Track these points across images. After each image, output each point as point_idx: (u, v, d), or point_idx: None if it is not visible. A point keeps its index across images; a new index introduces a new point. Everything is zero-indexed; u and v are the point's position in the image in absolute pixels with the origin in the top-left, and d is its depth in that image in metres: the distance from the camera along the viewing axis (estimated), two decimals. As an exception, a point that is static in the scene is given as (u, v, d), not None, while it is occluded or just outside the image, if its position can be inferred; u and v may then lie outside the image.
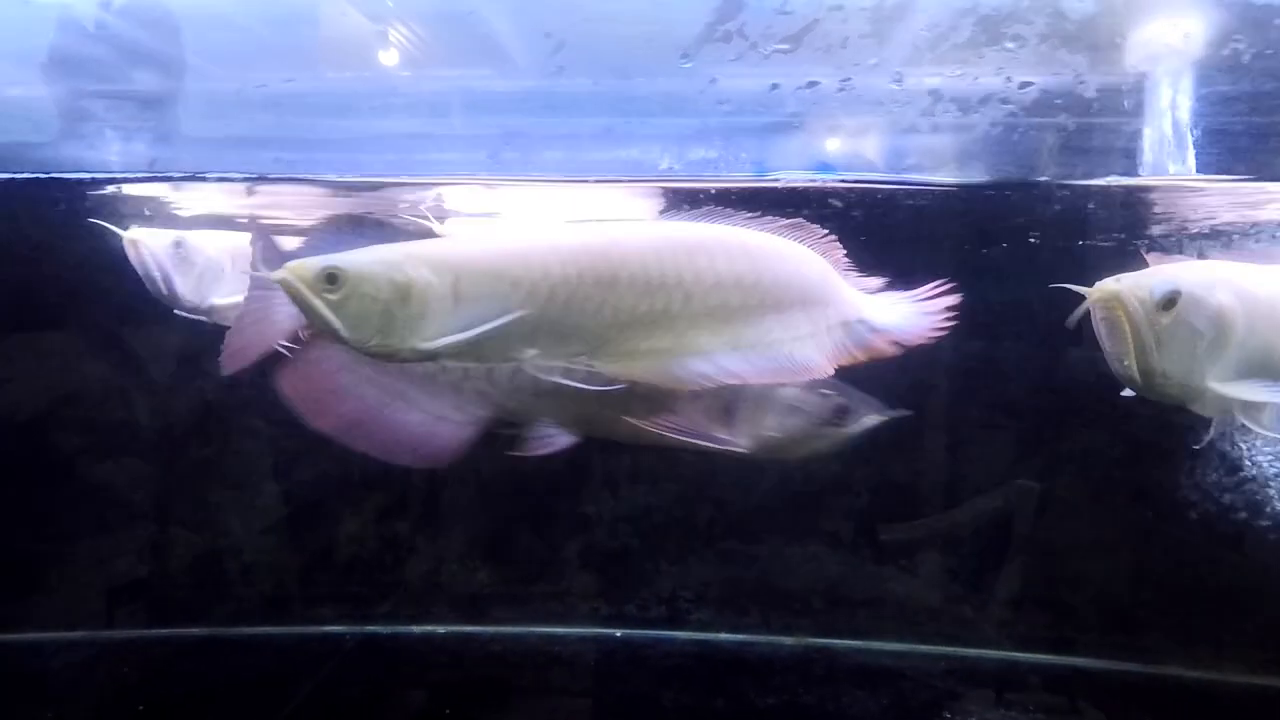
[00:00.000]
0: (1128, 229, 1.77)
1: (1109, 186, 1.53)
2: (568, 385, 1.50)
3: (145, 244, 2.08)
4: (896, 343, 1.50)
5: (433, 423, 1.78)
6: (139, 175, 1.94)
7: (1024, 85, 1.37)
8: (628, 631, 3.17)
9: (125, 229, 2.07)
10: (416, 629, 3.18)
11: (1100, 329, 1.46)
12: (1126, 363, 1.46)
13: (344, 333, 1.43)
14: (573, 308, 1.45)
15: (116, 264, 2.17)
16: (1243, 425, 1.53)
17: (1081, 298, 1.43)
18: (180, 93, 1.78)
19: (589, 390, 1.49)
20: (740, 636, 3.14)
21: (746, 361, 1.47)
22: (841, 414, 1.83)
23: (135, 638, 3.07)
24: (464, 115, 2.52)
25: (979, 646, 2.95)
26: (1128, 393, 1.53)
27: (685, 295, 1.45)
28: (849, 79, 1.42)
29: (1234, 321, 1.46)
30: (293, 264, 1.44)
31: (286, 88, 2.07)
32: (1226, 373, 1.49)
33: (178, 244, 2.10)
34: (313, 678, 2.96)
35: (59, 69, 1.71)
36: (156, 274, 2.10)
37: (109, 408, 3.08)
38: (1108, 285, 1.43)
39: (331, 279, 1.43)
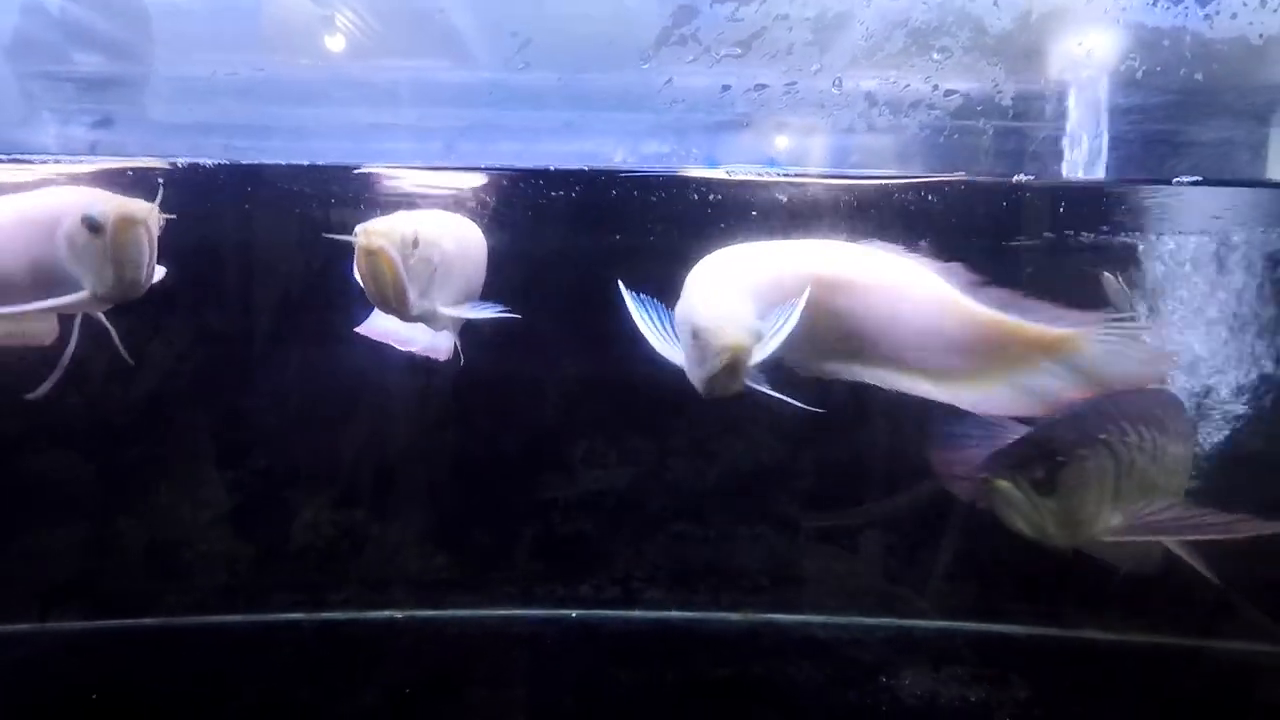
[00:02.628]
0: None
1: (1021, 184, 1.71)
2: None
3: None
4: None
5: None
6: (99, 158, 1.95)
7: (949, 93, 1.53)
8: (583, 612, 3.27)
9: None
10: (375, 615, 3.22)
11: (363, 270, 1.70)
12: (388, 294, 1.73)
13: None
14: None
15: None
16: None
17: None
18: (145, 78, 1.82)
19: None
20: (691, 614, 3.28)
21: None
22: None
23: (85, 630, 3.04)
24: (420, 106, 2.58)
25: (914, 618, 3.15)
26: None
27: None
28: (794, 83, 1.55)
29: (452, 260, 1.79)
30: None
31: (249, 75, 2.11)
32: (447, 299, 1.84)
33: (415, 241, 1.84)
34: (271, 664, 2.99)
35: (22, 52, 1.73)
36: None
37: (56, 398, 3.04)
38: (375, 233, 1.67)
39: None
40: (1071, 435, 1.67)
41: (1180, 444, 1.77)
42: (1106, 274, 2.79)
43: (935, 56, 1.42)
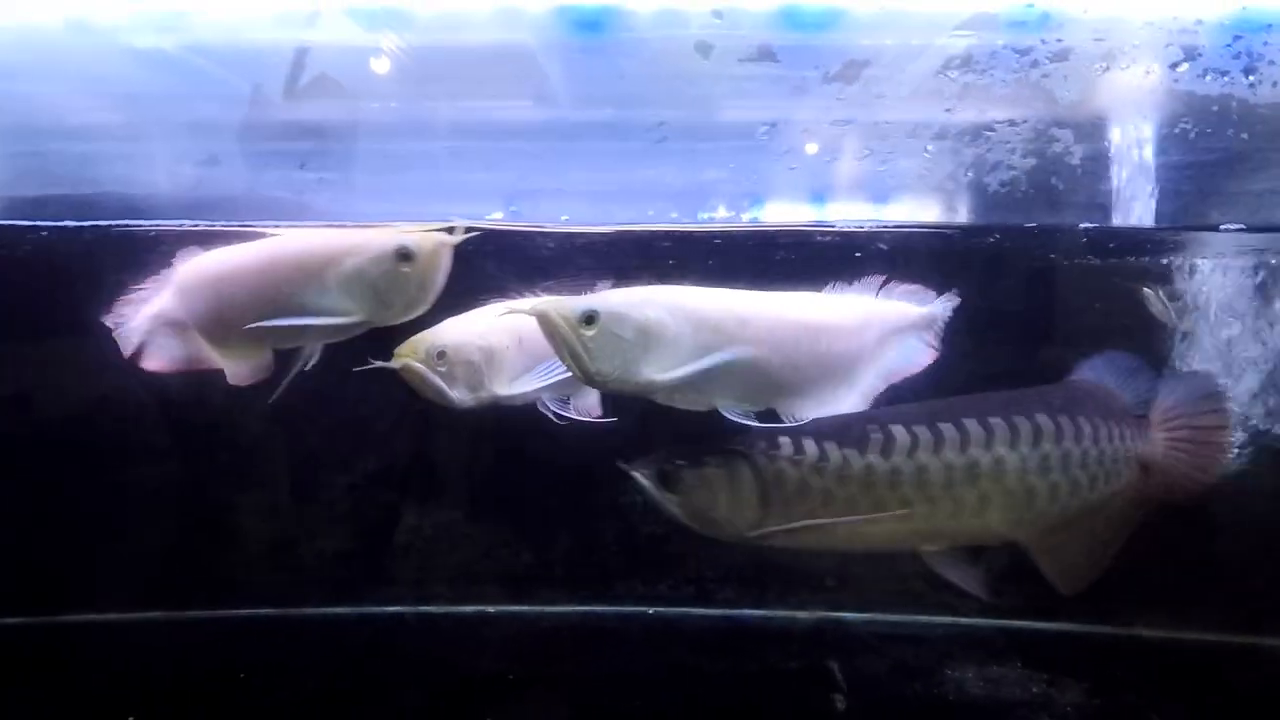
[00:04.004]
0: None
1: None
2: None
3: None
4: None
5: None
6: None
7: (1025, 155, 1.78)
8: (660, 609, 3.52)
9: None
10: (469, 608, 3.51)
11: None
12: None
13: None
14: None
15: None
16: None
17: None
18: (352, 149, 2.11)
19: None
20: (761, 612, 3.51)
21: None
22: None
23: (213, 618, 3.37)
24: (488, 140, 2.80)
25: (973, 616, 3.36)
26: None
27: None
28: (892, 152, 1.81)
29: (661, 329, 1.77)
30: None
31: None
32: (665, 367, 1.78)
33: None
34: (378, 652, 3.28)
35: (250, 135, 2.05)
36: None
37: (194, 407, 3.39)
38: (539, 306, 1.75)
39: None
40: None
41: (904, 458, 1.90)
42: (1147, 289, 3.02)
43: (1015, 122, 1.67)
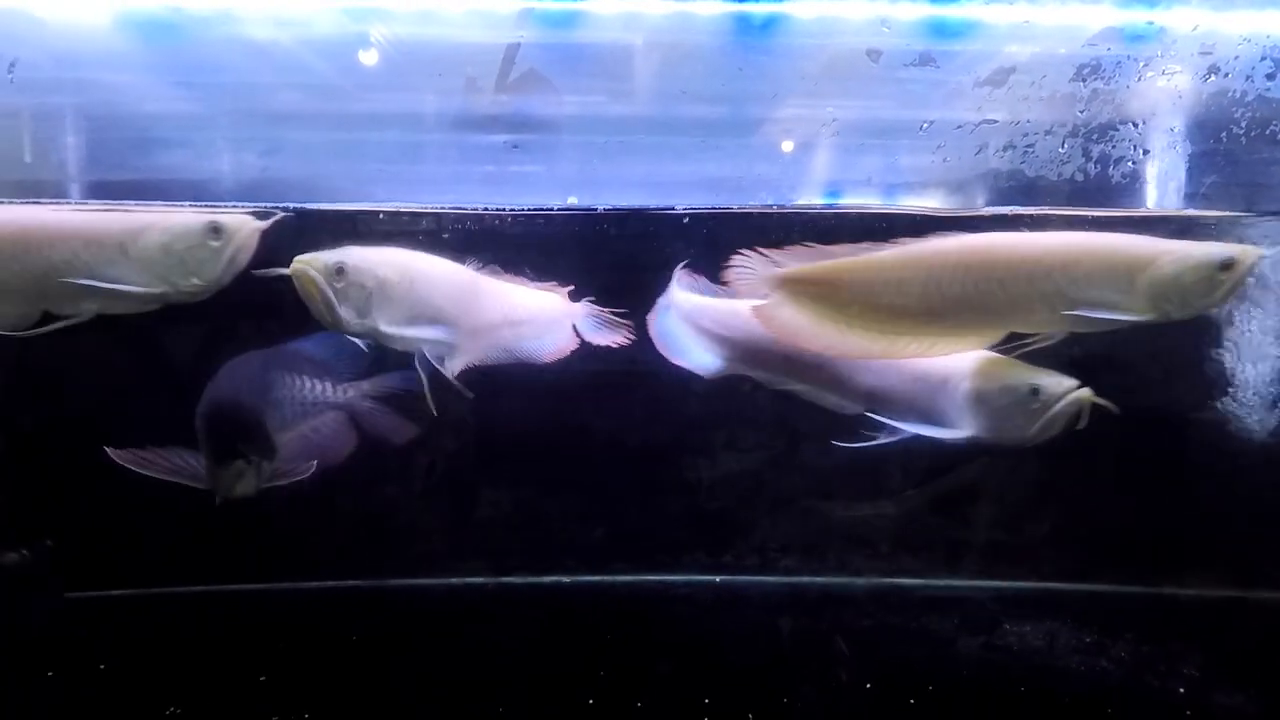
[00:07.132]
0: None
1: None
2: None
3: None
4: None
5: None
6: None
7: (1145, 151, 2.04)
8: (726, 578, 3.73)
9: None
10: (546, 579, 3.68)
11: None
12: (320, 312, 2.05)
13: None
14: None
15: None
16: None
17: None
18: (555, 141, 2.27)
19: None
20: (822, 579, 3.75)
21: None
22: None
23: (305, 589, 3.48)
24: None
25: (1020, 579, 3.65)
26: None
27: None
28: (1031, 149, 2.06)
29: (393, 286, 2.07)
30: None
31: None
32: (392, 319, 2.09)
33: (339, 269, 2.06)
34: (461, 622, 3.42)
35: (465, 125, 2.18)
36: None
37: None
38: (296, 262, 1.99)
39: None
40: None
41: None
42: None
43: (1137, 123, 1.93)
